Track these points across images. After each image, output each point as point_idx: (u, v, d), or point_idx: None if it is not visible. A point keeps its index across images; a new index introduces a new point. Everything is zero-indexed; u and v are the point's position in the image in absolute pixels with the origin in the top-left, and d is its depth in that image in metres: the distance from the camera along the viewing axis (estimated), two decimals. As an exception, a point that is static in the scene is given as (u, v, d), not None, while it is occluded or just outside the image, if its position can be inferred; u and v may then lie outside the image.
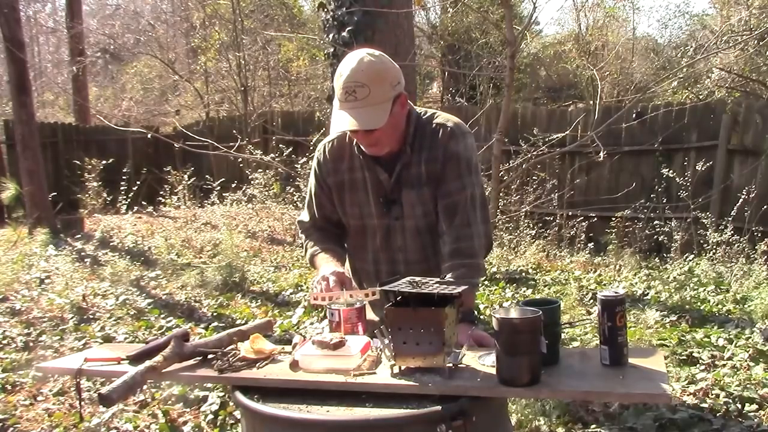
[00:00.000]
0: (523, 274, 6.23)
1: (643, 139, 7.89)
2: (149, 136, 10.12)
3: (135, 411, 3.48)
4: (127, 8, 22.22)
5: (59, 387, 3.76)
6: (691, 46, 12.55)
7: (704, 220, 6.39)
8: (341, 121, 1.90)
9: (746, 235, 6.25)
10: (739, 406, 3.24)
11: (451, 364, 1.63)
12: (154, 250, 7.35)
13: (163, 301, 5.55)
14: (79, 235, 8.09)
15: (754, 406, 3.21)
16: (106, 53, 21.01)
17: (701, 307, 4.94)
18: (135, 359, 1.88)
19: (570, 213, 7.82)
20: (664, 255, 6.84)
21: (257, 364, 1.79)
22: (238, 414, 3.21)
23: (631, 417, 3.13)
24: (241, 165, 9.46)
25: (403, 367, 1.65)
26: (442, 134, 2.04)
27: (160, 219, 9.61)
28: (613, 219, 7.19)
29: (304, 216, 2.27)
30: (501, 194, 7.22)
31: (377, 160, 2.07)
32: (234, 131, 9.91)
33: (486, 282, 5.73)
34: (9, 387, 3.82)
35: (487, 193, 3.06)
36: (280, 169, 8.99)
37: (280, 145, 9.69)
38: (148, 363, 1.76)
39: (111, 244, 7.64)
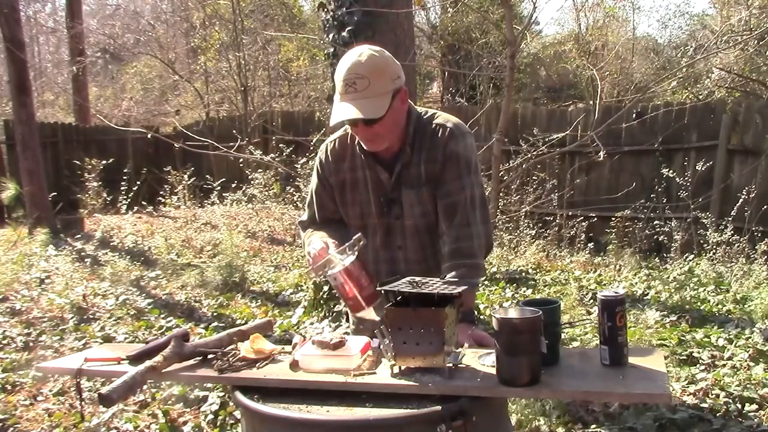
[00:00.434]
0: (523, 274, 6.23)
1: (643, 139, 7.89)
2: (149, 136, 10.14)
3: (135, 411, 3.48)
4: (127, 8, 22.22)
5: (59, 387, 3.76)
6: (691, 46, 12.55)
7: (704, 220, 6.39)
8: (341, 112, 1.90)
9: (746, 235, 6.25)
10: (739, 406, 3.24)
11: (451, 364, 1.63)
12: (154, 250, 7.35)
13: (163, 301, 5.55)
14: (79, 235, 8.09)
15: (754, 406, 3.21)
16: (106, 53, 21.01)
17: (701, 307, 4.94)
18: (135, 359, 1.88)
19: (570, 213, 7.82)
20: (664, 255, 6.84)
21: (257, 364, 1.79)
22: (238, 414, 3.21)
23: (631, 417, 3.13)
24: (241, 165, 9.47)
25: (403, 367, 1.65)
26: (442, 134, 2.04)
27: (160, 219, 9.61)
28: (613, 219, 7.19)
29: (305, 216, 2.28)
30: (501, 194, 7.21)
31: (378, 159, 2.07)
32: (234, 131, 9.89)
33: (486, 282, 5.73)
34: (9, 387, 3.82)
35: (487, 193, 3.06)
36: (280, 169, 8.99)
37: (280, 145, 9.70)
38: (148, 363, 1.76)
39: (111, 244, 7.64)
